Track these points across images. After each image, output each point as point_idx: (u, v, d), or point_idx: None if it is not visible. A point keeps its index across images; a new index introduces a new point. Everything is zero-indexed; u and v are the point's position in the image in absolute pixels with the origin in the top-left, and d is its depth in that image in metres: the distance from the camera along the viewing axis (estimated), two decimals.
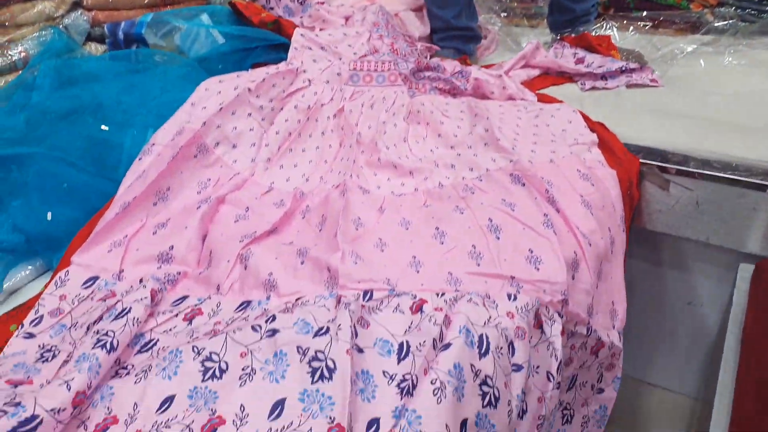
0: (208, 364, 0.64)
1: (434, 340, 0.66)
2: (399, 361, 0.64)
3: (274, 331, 0.67)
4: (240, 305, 0.77)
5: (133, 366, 0.67)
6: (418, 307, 0.71)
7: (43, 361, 0.69)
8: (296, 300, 0.75)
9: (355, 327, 0.67)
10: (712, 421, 0.83)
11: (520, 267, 0.79)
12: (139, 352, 0.70)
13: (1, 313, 0.82)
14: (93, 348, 0.65)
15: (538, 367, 0.74)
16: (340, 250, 0.79)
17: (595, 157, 1.06)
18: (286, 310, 0.72)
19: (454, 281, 0.76)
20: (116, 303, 0.73)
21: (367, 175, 1.01)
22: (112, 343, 0.66)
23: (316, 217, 0.91)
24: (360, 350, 0.65)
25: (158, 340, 0.71)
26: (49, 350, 0.71)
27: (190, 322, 0.74)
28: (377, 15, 1.50)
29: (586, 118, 1.18)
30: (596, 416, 0.91)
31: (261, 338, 0.67)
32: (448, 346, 0.65)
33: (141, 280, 0.79)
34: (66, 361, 0.67)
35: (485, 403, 0.64)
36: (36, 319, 0.76)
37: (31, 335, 0.73)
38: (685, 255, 1.25)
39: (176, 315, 0.75)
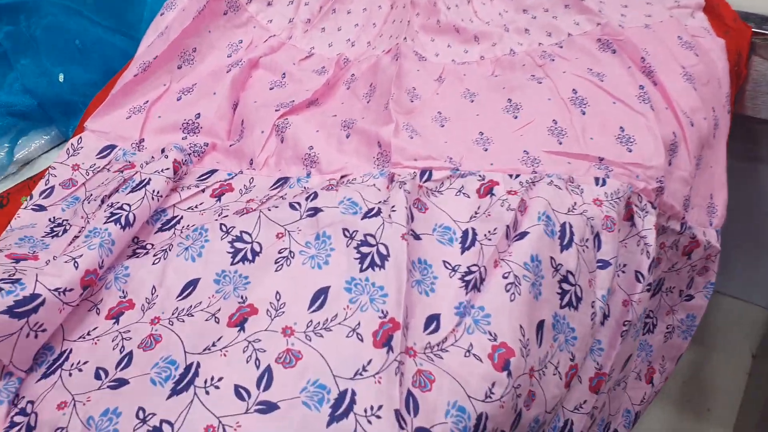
0: (239, 245, 0.54)
1: (507, 227, 0.54)
2: (463, 250, 0.53)
3: (316, 210, 0.56)
4: (276, 182, 0.66)
5: (152, 246, 0.58)
6: (487, 190, 0.58)
7: (53, 236, 0.60)
8: (341, 178, 0.64)
9: (411, 210, 0.55)
10: None
11: (609, 147, 0.66)
12: (160, 230, 0.60)
13: (13, 184, 0.74)
14: (106, 222, 0.55)
15: (624, 265, 0.62)
16: (392, 121, 0.67)
17: (699, 24, 0.88)
18: (330, 187, 0.61)
19: (531, 161, 0.63)
20: (134, 174, 0.63)
21: (424, 40, 0.86)
22: (127, 217, 0.56)
23: (363, 87, 0.77)
24: (416, 237, 0.54)
25: (182, 217, 0.61)
26: (59, 224, 0.62)
27: (219, 199, 0.64)
28: None
29: None
30: (682, 326, 0.79)
31: (301, 217, 0.56)
32: (524, 234, 0.53)
33: (163, 150, 0.69)
34: (77, 237, 0.59)
35: (564, 302, 0.54)
36: (46, 190, 0.67)
37: (41, 207, 0.65)
38: None
39: (203, 190, 0.64)
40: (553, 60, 0.77)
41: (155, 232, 0.60)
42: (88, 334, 0.51)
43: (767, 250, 1.20)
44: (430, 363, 0.45)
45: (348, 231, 0.53)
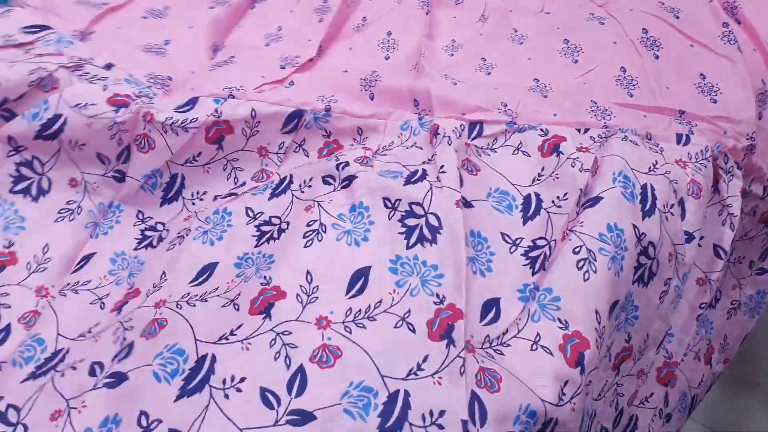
0: (266, 228, 0.46)
1: (580, 191, 0.45)
2: (525, 220, 0.44)
3: (350, 179, 0.47)
4: (289, 117, 0.52)
5: (164, 227, 0.50)
6: (552, 147, 0.49)
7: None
8: (375, 148, 0.52)
9: (459, 172, 0.46)
10: None
11: (690, 97, 0.55)
12: (165, 201, 0.51)
13: None
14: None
15: (702, 237, 0.53)
16: (425, 66, 0.56)
17: None
18: (365, 160, 0.49)
19: (602, 112, 0.53)
20: (54, 71, 0.51)
21: None
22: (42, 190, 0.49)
23: (377, 30, 0.65)
24: (467, 204, 0.45)
25: (184, 177, 0.52)
26: None
27: (219, 145, 0.52)
28: None
29: None
30: (751, 302, 0.70)
31: (334, 189, 0.47)
32: (597, 200, 0.44)
33: (109, 66, 0.55)
34: None
35: (635, 278, 0.45)
36: None
37: None
38: None
39: (193, 114, 0.51)
40: None
41: (161, 205, 0.51)
42: (89, 331, 0.43)
43: None
44: (491, 360, 0.37)
45: (389, 200, 0.44)
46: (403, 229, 0.42)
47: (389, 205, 0.44)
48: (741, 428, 1.01)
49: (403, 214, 0.43)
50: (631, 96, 0.55)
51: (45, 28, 0.57)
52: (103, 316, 0.44)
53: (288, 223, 0.45)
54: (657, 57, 0.59)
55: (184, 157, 0.52)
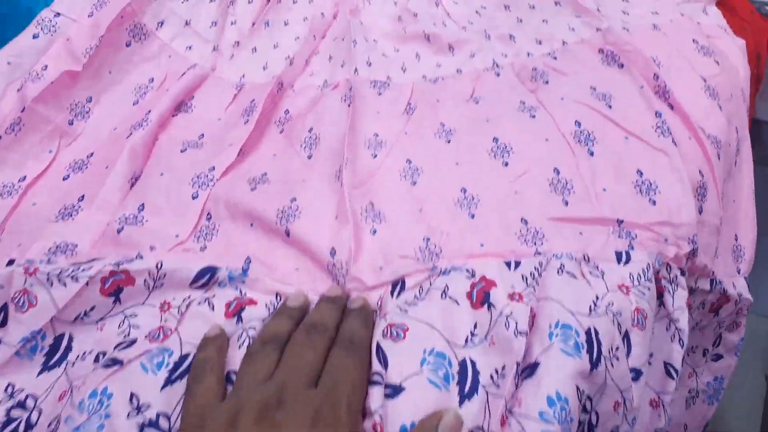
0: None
1: (517, 365, 0.39)
2: (462, 399, 0.37)
3: None
4: (199, 274, 0.46)
5: (38, 405, 0.42)
6: (481, 296, 0.43)
7: None
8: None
9: (380, 350, 0.40)
10: None
11: (628, 200, 0.51)
12: (45, 369, 0.44)
13: None
14: None
15: (651, 355, 0.48)
16: (349, 212, 0.49)
17: (714, 21, 0.73)
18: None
19: (533, 236, 0.48)
20: None
21: (385, 49, 0.70)
22: None
23: (301, 130, 0.60)
24: (395, 390, 0.37)
25: (71, 338, 0.44)
26: None
27: (117, 297, 0.45)
28: None
29: None
30: (708, 390, 0.67)
31: None
32: (535, 367, 0.38)
33: (10, 263, 0.48)
34: None
35: None
36: None
37: None
38: None
39: (87, 283, 0.44)
40: (547, 82, 0.62)
41: (39, 373, 0.43)
42: None
43: None
44: None
45: None
46: None
47: None
48: None
49: None
50: (567, 204, 0.51)
51: None
52: None
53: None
54: (592, 153, 0.54)
55: (73, 313, 0.44)
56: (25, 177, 0.57)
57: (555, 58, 0.66)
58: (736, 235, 0.65)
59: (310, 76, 0.67)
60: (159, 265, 0.46)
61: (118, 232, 0.50)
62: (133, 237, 0.50)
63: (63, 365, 0.43)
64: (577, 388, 0.38)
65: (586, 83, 0.61)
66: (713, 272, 0.57)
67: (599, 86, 0.60)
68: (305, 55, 0.69)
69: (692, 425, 0.68)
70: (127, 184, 0.56)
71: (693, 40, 0.68)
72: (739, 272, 0.64)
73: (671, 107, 0.60)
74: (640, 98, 0.59)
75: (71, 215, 0.54)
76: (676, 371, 0.48)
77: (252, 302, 0.46)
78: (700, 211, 0.55)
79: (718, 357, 0.67)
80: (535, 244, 0.47)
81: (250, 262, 0.48)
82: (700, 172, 0.56)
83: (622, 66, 0.62)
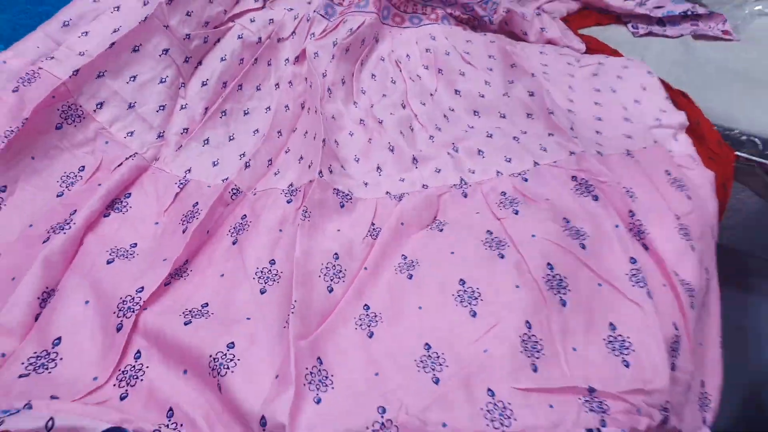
0: None
1: None
2: None
3: None
4: None
5: None
6: None
7: None
8: None
9: None
10: None
11: (600, 364, 0.47)
12: None
13: None
14: None
15: None
16: (291, 366, 0.43)
17: (685, 150, 0.72)
18: None
19: (500, 413, 0.43)
20: None
21: (347, 159, 0.65)
22: None
23: (257, 247, 0.54)
24: None
25: None
26: None
27: None
28: None
29: (664, 84, 0.83)
30: None
31: None
32: None
33: None
34: None
35: None
36: None
37: None
38: (749, 273, 0.95)
39: None
40: (517, 212, 0.58)
41: None
42: None
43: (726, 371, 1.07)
44: None
45: None
46: None
47: None
48: None
49: None
50: (536, 370, 0.46)
51: None
52: None
53: None
54: (564, 303, 0.50)
55: None
56: None
57: (526, 179, 0.62)
58: (702, 382, 0.61)
59: (274, 176, 0.62)
60: (50, 424, 0.38)
61: (20, 377, 0.42)
62: (36, 383, 0.42)
63: None
64: None
65: (559, 215, 0.57)
66: (680, 429, 0.54)
67: (573, 220, 0.57)
68: (269, 155, 0.64)
69: None
70: (36, 302, 0.48)
71: (666, 171, 0.66)
72: (705, 422, 0.61)
73: (646, 248, 0.57)
74: (616, 240, 0.55)
75: None
76: None
77: None
78: (673, 368, 0.51)
79: None
80: (502, 424, 0.42)
81: (172, 414, 0.41)
82: (674, 325, 0.53)
83: (596, 198, 0.59)
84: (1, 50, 0.61)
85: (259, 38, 0.77)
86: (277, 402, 0.40)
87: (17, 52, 0.59)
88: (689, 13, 1.11)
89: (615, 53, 0.95)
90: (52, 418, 0.38)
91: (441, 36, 0.85)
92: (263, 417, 0.40)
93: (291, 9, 0.82)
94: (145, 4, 0.67)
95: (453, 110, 0.75)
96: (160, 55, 0.66)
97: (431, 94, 0.78)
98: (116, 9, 0.65)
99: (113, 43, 0.62)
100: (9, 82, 0.57)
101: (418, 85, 0.78)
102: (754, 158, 0.79)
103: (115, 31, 0.63)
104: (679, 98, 0.81)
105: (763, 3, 1.26)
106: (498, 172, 0.64)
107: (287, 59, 0.78)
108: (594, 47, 0.97)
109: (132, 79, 0.64)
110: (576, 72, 0.82)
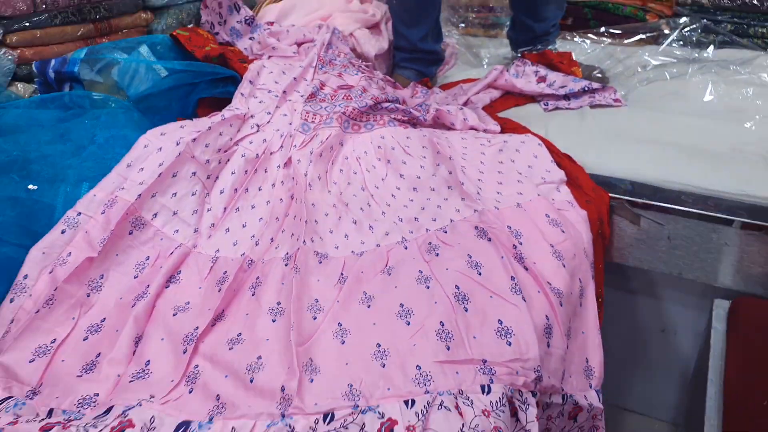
0: None
1: None
2: None
3: None
4: (178, 426, 0.66)
5: None
6: (388, 431, 0.64)
7: None
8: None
9: None
10: None
11: (491, 345, 0.74)
12: None
13: None
14: None
15: None
16: (294, 363, 0.70)
17: (564, 197, 1.01)
18: None
19: (424, 379, 0.70)
20: None
21: (323, 232, 0.94)
22: None
23: (267, 296, 0.82)
24: None
25: None
26: None
27: None
28: (329, 36, 1.43)
29: (552, 149, 1.13)
30: None
31: None
32: None
33: (51, 412, 0.68)
34: None
35: None
36: None
37: None
38: (659, 286, 1.22)
39: (101, 430, 0.64)
40: (438, 254, 0.87)
41: None
42: None
43: (658, 368, 1.32)
44: None
45: None
46: None
47: None
48: None
49: None
50: (449, 349, 0.73)
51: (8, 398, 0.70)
52: None
53: None
54: (467, 309, 0.78)
55: None
56: (54, 340, 0.77)
57: (445, 231, 0.91)
58: (586, 359, 0.88)
59: (275, 249, 0.91)
60: (151, 420, 0.66)
61: (130, 382, 0.70)
62: (140, 387, 0.70)
63: None
64: None
65: (464, 254, 0.85)
66: (563, 389, 0.79)
67: (474, 255, 0.85)
68: (271, 234, 0.93)
69: None
70: (133, 343, 0.76)
71: (546, 215, 0.95)
72: (591, 386, 0.86)
73: (526, 269, 0.85)
74: (501, 265, 0.83)
75: (92, 369, 0.74)
76: None
77: None
78: (548, 345, 0.78)
79: None
80: (425, 384, 0.69)
81: (219, 398, 0.68)
82: (546, 317, 0.80)
83: (489, 240, 0.88)
84: (88, 188, 0.92)
85: (257, 154, 1.08)
86: (289, 383, 0.68)
87: (101, 188, 0.90)
88: (586, 88, 1.43)
89: (525, 129, 1.26)
90: (153, 416, 0.66)
91: (388, 135, 1.16)
92: (283, 387, 0.68)
93: (278, 129, 1.14)
94: (177, 144, 0.98)
95: (399, 188, 1.05)
96: (190, 177, 0.97)
97: (382, 179, 1.08)
98: (159, 150, 0.96)
99: (160, 174, 0.93)
100: (98, 207, 0.87)
101: (373, 174, 1.09)
102: (623, 197, 1.08)
103: (160, 165, 0.94)
104: (563, 160, 1.11)
105: (650, 72, 1.59)
106: (427, 230, 0.93)
107: (278, 165, 1.08)
108: (509, 126, 1.28)
109: (173, 195, 0.94)
110: (486, 150, 1.13)
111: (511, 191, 1.00)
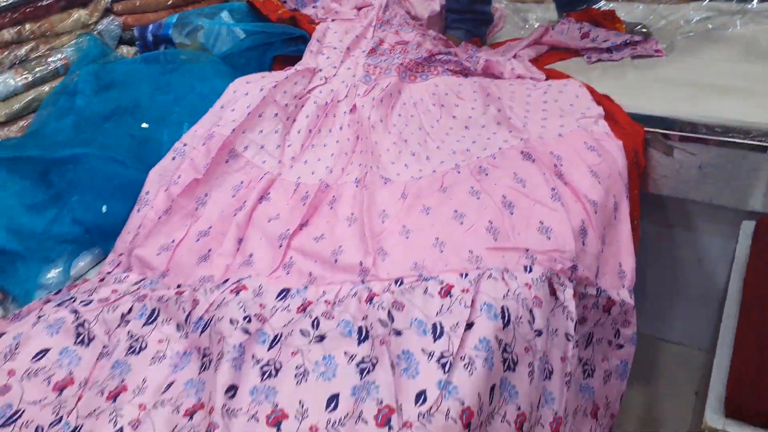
0: (265, 368, 0.72)
1: (465, 322, 0.73)
2: (435, 339, 0.72)
3: (321, 338, 0.76)
4: (280, 293, 0.85)
5: (203, 352, 0.77)
6: (446, 292, 0.79)
7: (81, 345, 0.80)
8: (333, 296, 0.83)
9: (390, 313, 0.76)
10: (712, 373, 0.90)
11: (533, 239, 0.87)
12: (200, 330, 0.79)
13: None
14: (126, 354, 0.78)
15: (556, 330, 0.81)
16: (369, 247, 0.87)
17: (601, 129, 1.13)
18: (327, 315, 0.79)
19: (475, 259, 0.84)
20: (146, 300, 0.85)
21: (386, 163, 1.09)
22: (141, 345, 0.79)
23: (342, 209, 0.98)
24: (398, 333, 0.73)
25: (213, 317, 0.80)
26: (83, 326, 0.81)
27: (237, 294, 0.83)
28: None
29: (592, 91, 1.24)
30: (618, 370, 0.99)
31: (310, 342, 0.75)
32: (472, 324, 0.73)
33: (179, 286, 0.88)
34: (102, 354, 0.79)
35: (505, 367, 0.72)
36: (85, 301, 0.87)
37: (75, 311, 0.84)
38: (692, 215, 1.31)
39: (223, 293, 0.83)
40: (487, 174, 1.00)
41: (200, 335, 0.79)
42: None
43: (694, 298, 1.42)
44: (423, 429, 0.63)
45: (348, 353, 0.72)
46: (357, 370, 0.70)
47: (347, 356, 0.72)
48: None
49: (357, 362, 0.71)
50: (496, 240, 0.87)
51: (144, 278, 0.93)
52: (179, 420, 0.70)
53: (281, 363, 0.72)
54: (512, 213, 0.92)
55: (215, 304, 0.81)
56: (173, 240, 0.96)
57: (494, 158, 1.05)
58: (620, 263, 1.00)
59: (346, 176, 1.07)
60: (260, 287, 0.84)
61: (238, 267, 0.88)
62: (246, 270, 0.87)
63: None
64: (496, 337, 0.72)
65: (510, 172, 0.99)
66: (597, 284, 0.92)
67: (519, 173, 0.99)
68: (342, 165, 1.10)
69: (611, 396, 0.99)
70: (236, 243, 0.94)
71: (584, 142, 1.07)
72: (624, 286, 0.98)
73: (565, 184, 0.98)
74: (543, 181, 0.96)
75: (205, 260, 0.92)
76: (572, 336, 0.81)
77: (309, 303, 0.82)
78: (583, 244, 0.91)
79: (620, 346, 1.00)
80: (477, 263, 0.83)
81: (311, 274, 0.86)
82: (582, 221, 0.92)
83: (533, 161, 1.01)
84: (188, 127, 1.10)
85: (326, 102, 1.23)
86: (366, 259, 0.85)
87: (201, 125, 1.08)
88: (628, 41, 1.52)
89: (567, 77, 1.37)
90: (260, 284, 0.83)
91: (441, 84, 1.30)
92: (361, 262, 0.84)
93: (343, 81, 1.29)
94: (261, 90, 1.14)
95: (452, 128, 1.19)
96: (273, 117, 1.13)
97: (437, 120, 1.21)
98: (246, 94, 1.14)
99: (249, 113, 1.10)
100: (200, 140, 1.05)
101: (428, 116, 1.22)
102: (657, 130, 1.19)
103: (248, 107, 1.11)
104: (603, 100, 1.22)
105: (693, 25, 1.66)
106: (477, 157, 1.06)
107: (345, 111, 1.23)
108: (553, 75, 1.39)
109: (260, 132, 1.11)
110: (532, 93, 1.25)
111: (553, 125, 1.13)
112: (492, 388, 0.69)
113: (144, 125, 1.13)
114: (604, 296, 0.93)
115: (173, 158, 1.04)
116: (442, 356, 0.70)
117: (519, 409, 0.72)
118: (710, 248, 1.34)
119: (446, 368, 0.68)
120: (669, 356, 1.49)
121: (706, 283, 1.38)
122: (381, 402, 0.66)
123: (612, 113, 1.18)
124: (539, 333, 0.77)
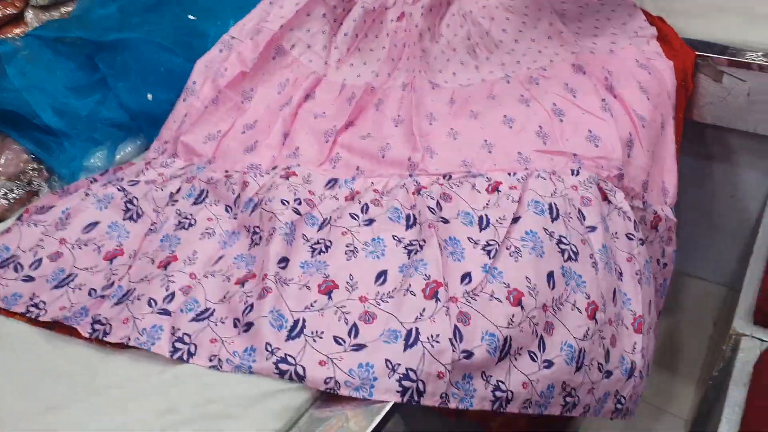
0: (316, 246, 0.75)
1: (513, 215, 0.75)
2: (481, 230, 0.74)
3: (370, 221, 0.77)
4: (328, 182, 0.86)
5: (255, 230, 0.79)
6: (494, 188, 0.80)
7: (129, 220, 0.83)
8: (382, 188, 0.84)
9: (438, 203, 0.77)
10: (743, 288, 0.92)
11: (581, 145, 0.87)
12: (247, 211, 0.81)
13: None
14: (176, 230, 0.81)
15: (616, 232, 0.82)
16: (417, 144, 0.88)
17: (653, 49, 1.11)
18: (376, 202, 0.80)
19: (524, 160, 0.85)
20: (195, 182, 0.87)
21: (434, 71, 1.08)
22: (191, 222, 0.82)
23: (389, 110, 0.98)
24: (446, 221, 0.75)
25: (264, 198, 0.82)
26: (132, 203, 0.84)
27: (287, 178, 0.85)
28: None
29: (645, 12, 1.21)
30: (660, 289, 1.00)
31: (359, 225, 0.77)
32: (519, 218, 0.75)
33: (227, 171, 0.89)
34: (150, 230, 0.82)
35: (566, 258, 0.74)
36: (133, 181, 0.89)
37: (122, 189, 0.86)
38: (731, 147, 1.30)
39: (272, 177, 0.85)
40: (538, 83, 0.99)
41: (250, 214, 0.80)
42: (224, 297, 0.72)
43: (722, 233, 1.42)
44: (467, 305, 0.66)
45: (396, 236, 0.74)
46: (406, 251, 0.72)
47: (396, 239, 0.74)
48: None
49: (405, 245, 0.73)
50: (545, 144, 0.87)
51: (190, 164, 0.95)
52: (231, 287, 0.72)
53: (331, 242, 0.75)
54: (562, 120, 0.91)
55: (266, 186, 0.83)
56: (220, 131, 0.96)
57: (545, 69, 1.03)
58: (663, 181, 1.00)
59: (393, 80, 1.06)
60: (309, 174, 0.85)
61: (285, 158, 0.89)
62: (293, 161, 0.88)
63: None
64: (545, 229, 0.73)
65: (561, 82, 0.98)
66: (643, 196, 0.92)
67: (570, 83, 0.98)
68: (388, 70, 1.08)
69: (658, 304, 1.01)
70: (282, 136, 0.95)
71: (635, 60, 1.05)
72: (666, 203, 0.99)
73: (615, 97, 0.97)
74: (593, 91, 0.95)
75: (252, 150, 0.93)
76: (633, 235, 0.82)
77: (357, 192, 0.84)
78: (629, 155, 0.91)
79: (665, 265, 1.01)
80: (525, 164, 0.84)
81: (358, 168, 0.87)
82: (629, 133, 0.92)
83: (584, 73, 1.00)
84: (234, 23, 1.09)
85: (374, 7, 1.21)
86: (414, 154, 0.87)
87: (249, 19, 1.07)
88: None
89: None
90: (309, 172, 0.85)
91: None
92: (409, 157, 0.86)
93: None
94: None
95: (502, 41, 1.17)
96: (321, 17, 1.12)
97: (486, 32, 1.19)
98: None
99: (297, 11, 1.08)
100: (248, 34, 1.04)
101: (478, 28, 1.20)
102: (707, 54, 1.16)
103: (297, 4, 1.09)
104: (656, 20, 1.19)
105: None
106: (528, 68, 1.05)
107: (392, 19, 1.21)
108: None
109: (308, 30, 1.10)
110: (584, 10, 1.21)
111: (605, 42, 1.11)
112: (550, 275, 0.71)
113: (191, 17, 1.12)
114: (651, 211, 0.94)
115: (220, 50, 1.03)
116: (487, 244, 0.72)
117: (588, 297, 0.73)
118: (746, 183, 1.33)
119: (491, 254, 0.70)
120: (691, 289, 1.51)
121: (737, 219, 1.38)
122: (428, 277, 0.68)
123: (664, 34, 1.15)
124: (592, 228, 0.78)
